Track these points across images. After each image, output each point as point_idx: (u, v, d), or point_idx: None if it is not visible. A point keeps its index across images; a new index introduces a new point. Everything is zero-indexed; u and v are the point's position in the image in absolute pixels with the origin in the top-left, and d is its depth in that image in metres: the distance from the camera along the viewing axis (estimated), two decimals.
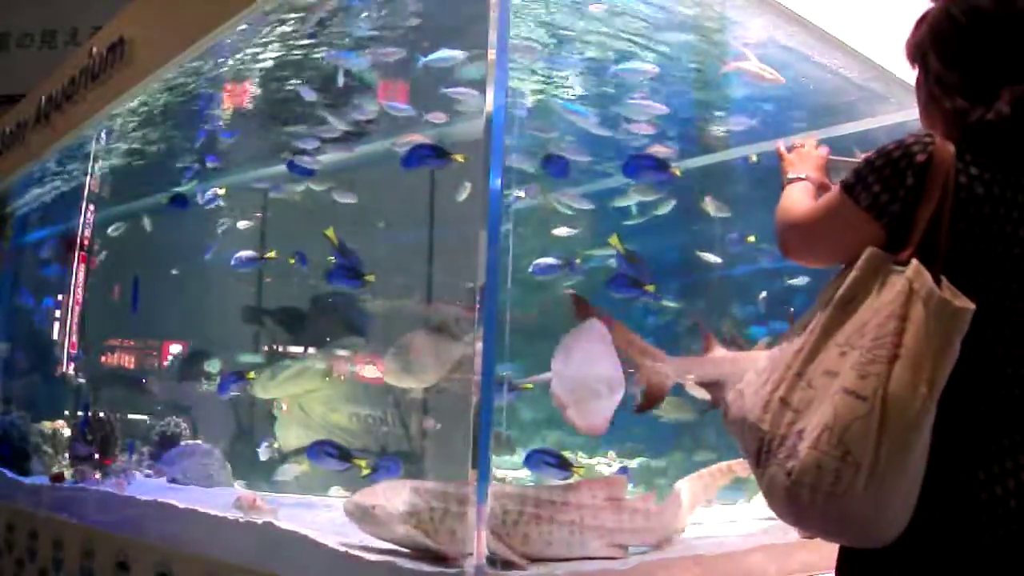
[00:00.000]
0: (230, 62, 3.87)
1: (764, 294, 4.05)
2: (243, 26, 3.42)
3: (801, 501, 1.32)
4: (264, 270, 4.48)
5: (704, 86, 3.68)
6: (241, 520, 2.65)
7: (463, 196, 3.09)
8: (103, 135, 4.85)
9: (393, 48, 3.33)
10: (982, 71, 1.49)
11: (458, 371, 2.90)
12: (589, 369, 2.35)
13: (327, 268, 3.38)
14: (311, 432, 3.71)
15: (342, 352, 3.98)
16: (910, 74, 1.66)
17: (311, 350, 4.20)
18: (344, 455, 2.90)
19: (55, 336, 5.29)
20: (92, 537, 3.31)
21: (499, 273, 2.17)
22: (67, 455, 4.42)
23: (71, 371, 5.03)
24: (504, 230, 2.77)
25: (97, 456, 4.06)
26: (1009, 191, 1.41)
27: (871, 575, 1.40)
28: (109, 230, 4.92)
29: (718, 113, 3.90)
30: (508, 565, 2.16)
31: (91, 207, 4.96)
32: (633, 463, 3.88)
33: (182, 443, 4.05)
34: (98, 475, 3.85)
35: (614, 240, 3.35)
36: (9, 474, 4.41)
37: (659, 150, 3.46)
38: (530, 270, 3.64)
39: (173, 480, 3.76)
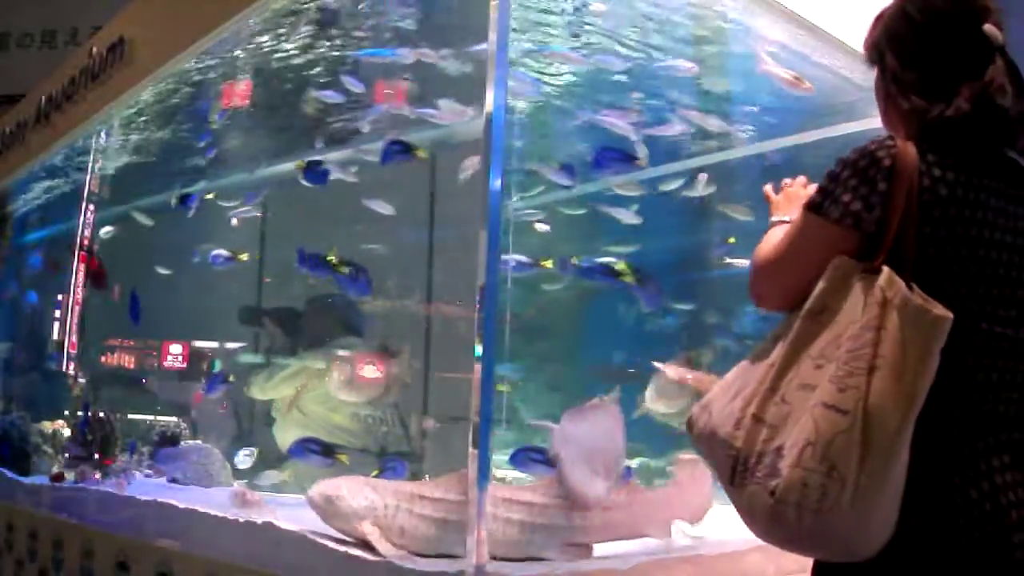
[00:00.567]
0: (241, 55, 3.86)
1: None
2: (253, 18, 3.41)
3: (786, 520, 1.28)
4: (264, 271, 4.49)
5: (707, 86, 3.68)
6: (241, 520, 2.65)
7: (465, 176, 3.09)
8: (103, 135, 4.86)
9: (427, 49, 3.29)
10: (939, 69, 1.47)
11: (396, 388, 3.24)
12: (593, 445, 2.32)
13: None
14: (310, 433, 3.70)
15: (341, 353, 3.98)
16: None
17: (309, 350, 4.19)
18: (327, 451, 2.89)
19: (53, 334, 5.30)
20: (92, 537, 3.31)
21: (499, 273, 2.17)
22: (67, 455, 4.42)
23: (71, 371, 5.04)
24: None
25: (96, 456, 4.06)
26: (972, 192, 1.38)
27: None
28: (102, 232, 4.92)
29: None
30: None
31: (91, 207, 4.97)
32: (633, 463, 3.88)
33: (182, 443, 4.05)
34: (98, 475, 3.85)
35: (623, 267, 3.34)
36: (9, 474, 4.41)
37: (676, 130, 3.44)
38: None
39: (173, 480, 3.76)
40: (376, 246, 3.77)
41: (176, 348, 5.00)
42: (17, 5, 9.71)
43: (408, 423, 3.85)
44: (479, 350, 2.13)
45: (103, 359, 5.29)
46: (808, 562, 1.47)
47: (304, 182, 3.57)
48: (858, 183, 1.39)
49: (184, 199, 4.14)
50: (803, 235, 1.46)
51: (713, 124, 3.55)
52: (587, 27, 3.38)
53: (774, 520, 1.31)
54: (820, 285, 1.39)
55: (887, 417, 1.26)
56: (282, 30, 3.59)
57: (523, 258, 3.41)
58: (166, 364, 5.06)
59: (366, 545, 2.27)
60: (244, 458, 3.55)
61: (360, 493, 2.32)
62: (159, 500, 3.11)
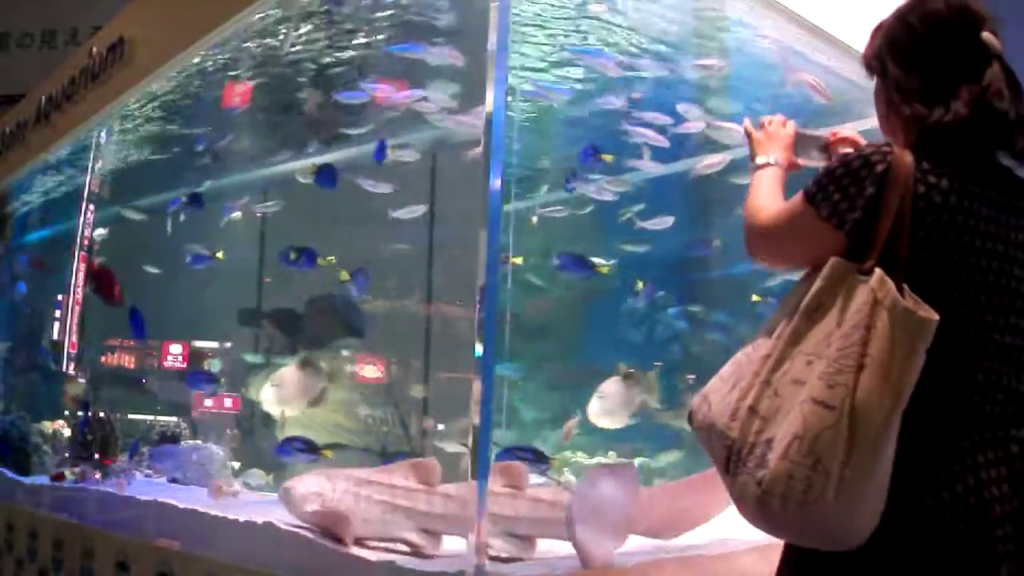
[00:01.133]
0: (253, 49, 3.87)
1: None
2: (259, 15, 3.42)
3: (772, 509, 1.34)
4: (264, 271, 4.49)
5: (706, 86, 3.68)
6: (241, 520, 2.65)
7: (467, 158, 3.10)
8: (103, 135, 4.86)
9: (451, 48, 3.28)
10: (940, 74, 1.52)
11: (321, 400, 3.40)
12: (607, 507, 2.35)
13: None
14: (311, 433, 3.70)
15: (342, 353, 3.99)
16: None
17: (310, 351, 4.20)
18: (312, 448, 2.95)
19: (52, 333, 5.31)
20: (92, 537, 3.31)
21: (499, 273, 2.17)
22: (66, 455, 4.42)
23: (70, 370, 5.04)
24: None
25: (97, 456, 4.06)
26: (967, 200, 1.43)
27: (838, 573, 1.42)
28: (97, 233, 4.92)
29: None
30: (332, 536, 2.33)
31: (91, 207, 4.97)
32: (633, 463, 3.88)
33: (182, 443, 4.05)
34: (98, 475, 3.85)
35: (601, 263, 3.36)
36: (9, 474, 4.41)
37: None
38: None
39: (173, 480, 3.76)
40: (378, 245, 3.78)
41: (176, 348, 5.01)
42: (17, 5, 9.71)
43: (408, 423, 3.86)
44: (479, 350, 2.14)
45: (103, 359, 5.29)
46: None
47: (306, 181, 3.59)
48: (849, 183, 1.45)
49: (194, 199, 4.14)
50: (797, 220, 1.52)
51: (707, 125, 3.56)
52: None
53: (762, 509, 1.36)
54: (817, 284, 1.43)
55: (873, 414, 1.31)
56: (284, 29, 3.59)
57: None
58: (166, 364, 5.06)
59: (322, 531, 2.38)
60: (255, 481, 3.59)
61: (313, 481, 2.45)
62: (159, 500, 3.12)
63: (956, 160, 1.46)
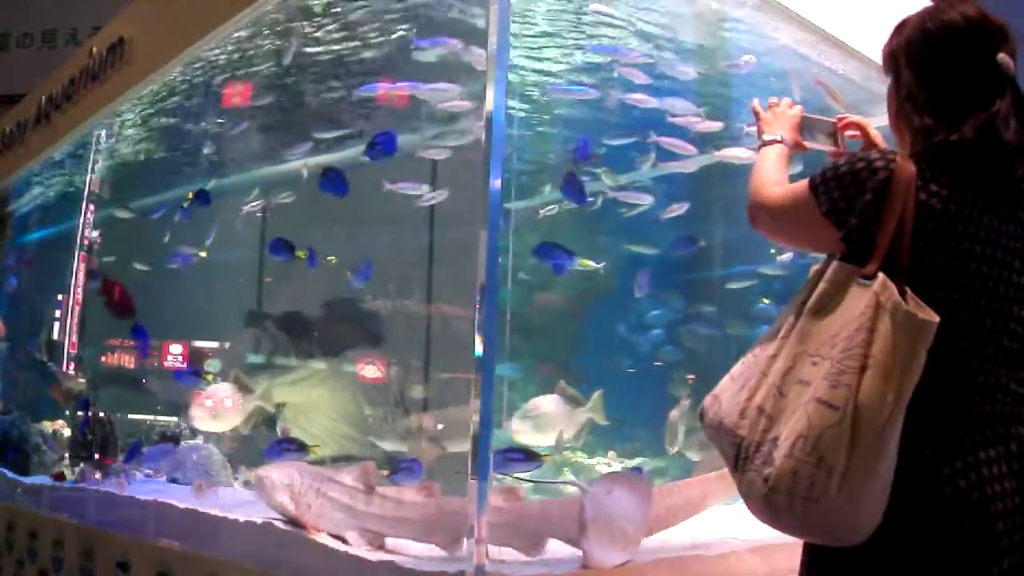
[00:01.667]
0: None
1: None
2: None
3: (778, 506, 1.39)
4: (264, 271, 4.48)
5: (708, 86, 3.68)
6: (241, 520, 2.66)
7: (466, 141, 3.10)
8: (103, 134, 4.86)
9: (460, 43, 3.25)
10: (950, 92, 1.55)
11: (254, 419, 3.52)
12: (621, 512, 2.35)
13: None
14: (312, 434, 3.70)
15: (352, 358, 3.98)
16: None
17: (325, 358, 4.19)
18: (301, 446, 2.98)
19: (52, 333, 5.30)
20: (92, 537, 3.31)
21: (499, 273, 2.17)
22: (65, 454, 4.42)
23: (70, 370, 5.03)
24: None
25: (97, 456, 4.06)
26: (966, 208, 1.47)
27: (845, 570, 1.45)
28: (94, 234, 4.91)
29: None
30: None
31: (91, 207, 4.97)
32: (633, 463, 3.88)
33: (182, 443, 4.05)
34: (98, 475, 3.85)
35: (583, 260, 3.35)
36: (9, 474, 4.41)
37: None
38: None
39: (173, 480, 3.75)
40: (378, 245, 3.78)
41: (176, 348, 5.00)
42: (17, 5, 9.70)
43: (408, 423, 3.84)
44: (479, 350, 2.13)
45: (103, 359, 5.29)
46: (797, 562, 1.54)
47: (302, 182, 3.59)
48: (849, 183, 1.49)
49: (199, 196, 4.13)
50: (800, 205, 1.58)
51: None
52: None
53: (768, 505, 1.41)
54: (821, 287, 1.48)
55: (875, 413, 1.35)
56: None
57: None
58: (166, 364, 5.06)
59: (290, 521, 2.49)
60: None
61: (286, 472, 2.56)
62: (159, 500, 3.11)
63: (959, 173, 1.50)
